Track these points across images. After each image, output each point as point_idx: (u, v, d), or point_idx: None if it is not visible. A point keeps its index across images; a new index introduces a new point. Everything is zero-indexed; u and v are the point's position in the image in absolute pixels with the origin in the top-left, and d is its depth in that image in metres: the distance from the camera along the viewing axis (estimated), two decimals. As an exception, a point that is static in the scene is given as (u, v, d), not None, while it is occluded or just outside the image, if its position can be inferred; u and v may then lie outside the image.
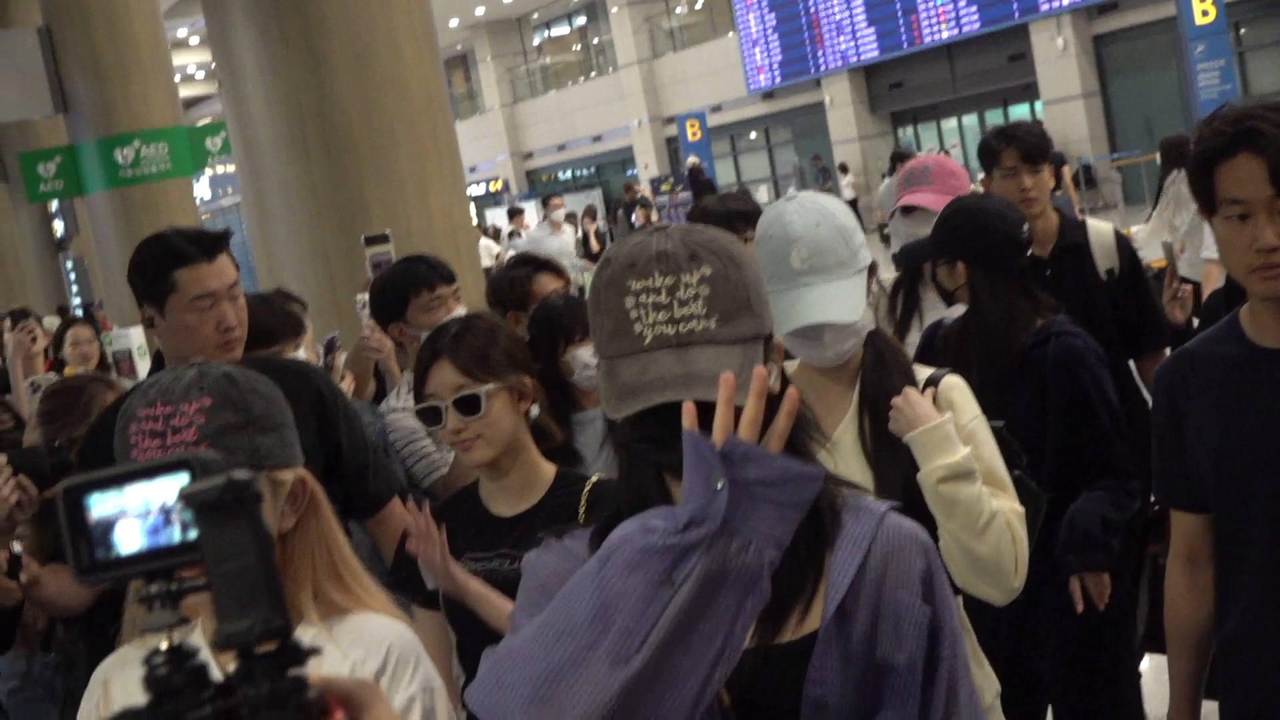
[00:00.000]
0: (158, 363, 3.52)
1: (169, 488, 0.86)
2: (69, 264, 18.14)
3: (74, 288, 17.92)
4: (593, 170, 39.68)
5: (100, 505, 0.87)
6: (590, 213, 23.14)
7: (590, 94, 37.43)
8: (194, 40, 35.32)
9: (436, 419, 2.77)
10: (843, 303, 2.53)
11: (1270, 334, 2.40)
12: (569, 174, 40.64)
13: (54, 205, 18.45)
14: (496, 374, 2.76)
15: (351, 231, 6.94)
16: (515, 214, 22.98)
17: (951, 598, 1.70)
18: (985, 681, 2.65)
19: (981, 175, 4.45)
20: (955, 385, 2.70)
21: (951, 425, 2.55)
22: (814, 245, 2.53)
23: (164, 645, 0.81)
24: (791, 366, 2.65)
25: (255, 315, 4.13)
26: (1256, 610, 2.43)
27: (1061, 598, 3.38)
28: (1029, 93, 26.49)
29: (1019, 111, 26.60)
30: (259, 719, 0.77)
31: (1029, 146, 4.24)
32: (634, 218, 21.21)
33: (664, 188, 20.51)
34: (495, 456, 2.74)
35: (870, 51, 28.99)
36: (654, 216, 20.61)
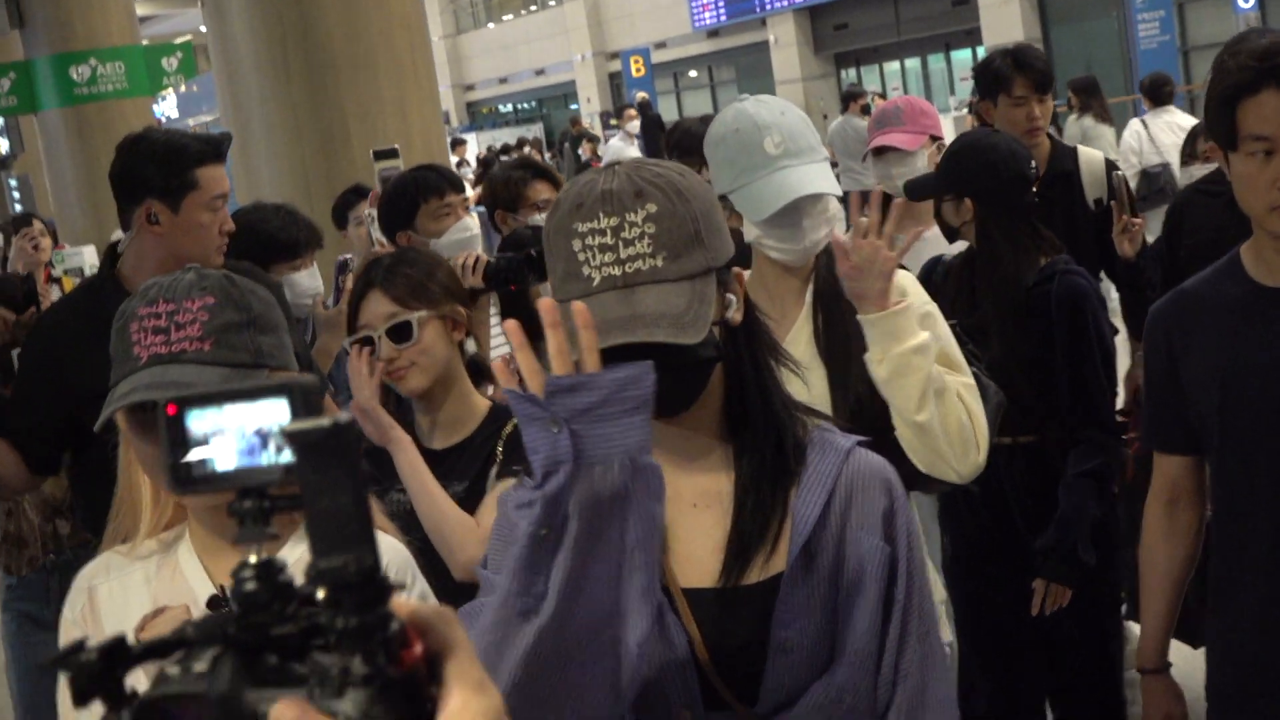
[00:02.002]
0: (110, 258, 3.35)
1: (265, 410, 0.88)
2: (13, 182, 17.88)
3: (17, 206, 17.68)
4: (534, 104, 39.43)
5: (198, 422, 0.89)
6: (536, 145, 23.15)
7: (533, 27, 37.07)
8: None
9: (370, 350, 2.73)
10: (824, 180, 2.56)
11: (1277, 273, 2.36)
12: (510, 107, 40.35)
13: (-1, 122, 18.16)
14: (429, 302, 2.74)
15: (331, 151, 7.00)
16: (457, 144, 22.98)
17: (915, 534, 1.70)
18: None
19: (976, 99, 4.43)
20: (905, 276, 2.67)
21: (911, 310, 2.49)
22: (785, 131, 2.55)
23: (252, 559, 0.83)
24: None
25: (277, 227, 4.20)
26: (1256, 550, 2.41)
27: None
28: (972, 38, 26.60)
29: (962, 56, 26.71)
30: (344, 649, 0.78)
31: (1040, 75, 4.23)
32: (580, 151, 21.23)
33: (613, 122, 20.50)
34: (429, 385, 2.73)
35: (816, -8, 29.02)
36: (600, 150, 20.59)
